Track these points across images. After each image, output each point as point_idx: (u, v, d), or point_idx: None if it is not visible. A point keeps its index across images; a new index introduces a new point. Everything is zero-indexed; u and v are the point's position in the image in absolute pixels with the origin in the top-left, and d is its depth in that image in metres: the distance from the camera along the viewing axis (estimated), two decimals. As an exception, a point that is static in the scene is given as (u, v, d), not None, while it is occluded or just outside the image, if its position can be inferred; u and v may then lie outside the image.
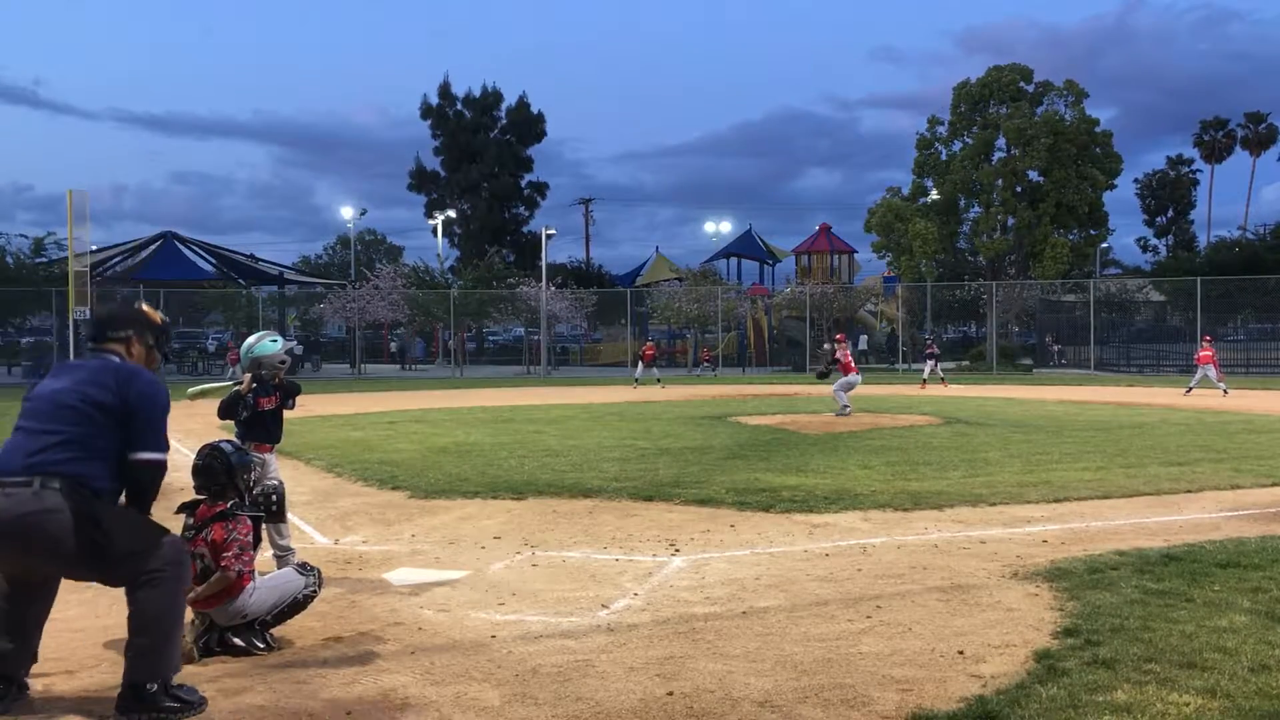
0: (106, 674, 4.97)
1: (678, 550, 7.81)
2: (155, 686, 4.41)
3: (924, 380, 31.52)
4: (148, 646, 4.44)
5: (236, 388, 7.18)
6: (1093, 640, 5.30)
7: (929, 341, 35.68)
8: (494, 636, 5.62)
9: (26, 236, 42.55)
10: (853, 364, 20.23)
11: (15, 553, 4.39)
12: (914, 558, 7.47)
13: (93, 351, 4.81)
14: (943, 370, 32.47)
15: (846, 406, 19.53)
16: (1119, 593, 6.26)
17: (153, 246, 47.59)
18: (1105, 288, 48.36)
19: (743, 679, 4.89)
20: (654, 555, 7.66)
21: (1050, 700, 4.46)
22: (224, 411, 7.18)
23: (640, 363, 34.63)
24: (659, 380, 33.95)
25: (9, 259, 41.20)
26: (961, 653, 5.24)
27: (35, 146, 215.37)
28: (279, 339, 7.39)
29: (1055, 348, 45.85)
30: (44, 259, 41.45)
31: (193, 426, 18.24)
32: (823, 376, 21.31)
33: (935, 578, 6.87)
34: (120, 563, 4.45)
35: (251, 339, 7.37)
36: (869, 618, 5.92)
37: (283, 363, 7.28)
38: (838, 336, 22.47)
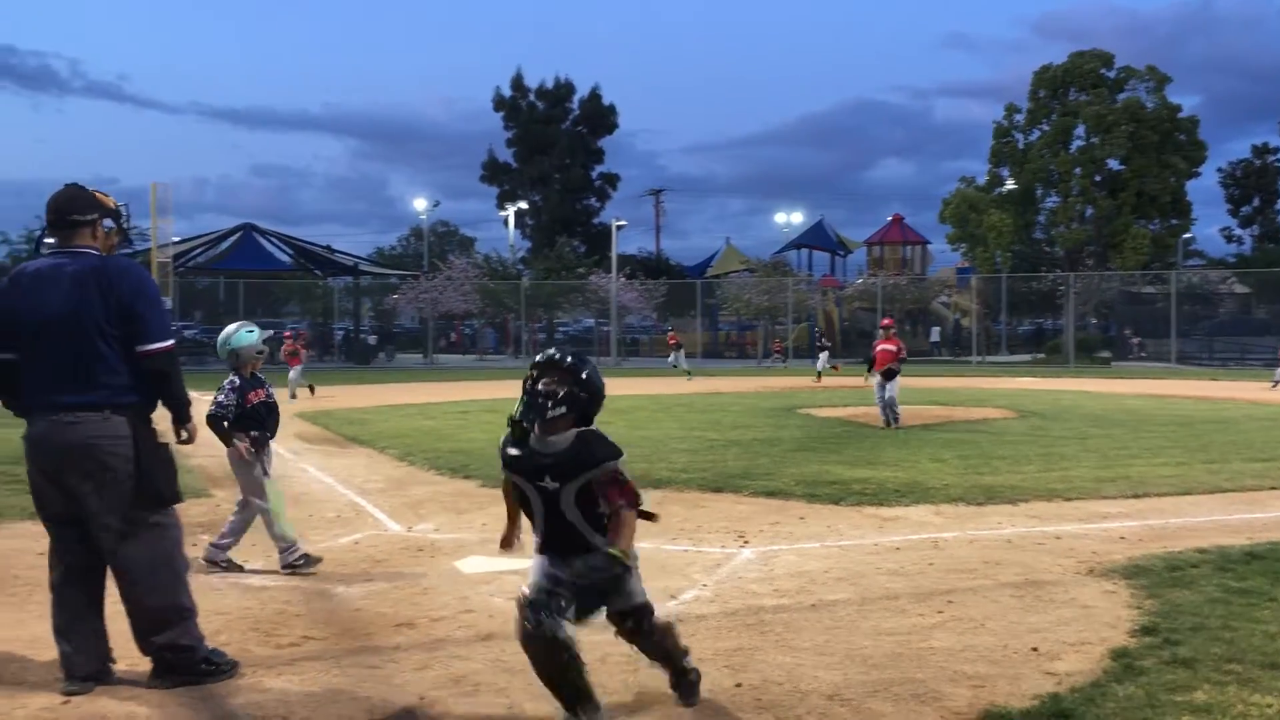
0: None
1: (746, 542, 7.79)
2: (193, 646, 4.68)
3: (819, 373, 31.20)
4: (159, 604, 4.65)
5: (216, 411, 6.83)
6: (1172, 639, 5.18)
7: (819, 334, 35.54)
8: (563, 625, 5.65)
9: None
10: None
11: (74, 478, 4.53)
12: (987, 553, 7.37)
13: (55, 248, 4.71)
14: (831, 361, 32.44)
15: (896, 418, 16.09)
16: (1199, 591, 6.12)
17: (233, 238, 48.53)
18: (1187, 279, 47.14)
19: (811, 672, 4.87)
20: (722, 547, 7.65)
21: (1127, 699, 4.38)
22: (210, 424, 6.83)
23: (673, 352, 34.49)
24: (675, 367, 33.63)
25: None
26: (1035, 650, 5.16)
27: (120, 140, 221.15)
28: (255, 329, 7.20)
29: (1135, 340, 44.89)
30: (129, 250, 42.48)
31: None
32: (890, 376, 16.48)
33: (1009, 573, 6.77)
34: (146, 501, 4.62)
35: (229, 329, 7.15)
36: (940, 613, 5.85)
37: (260, 353, 7.13)
38: (885, 321, 18.39)
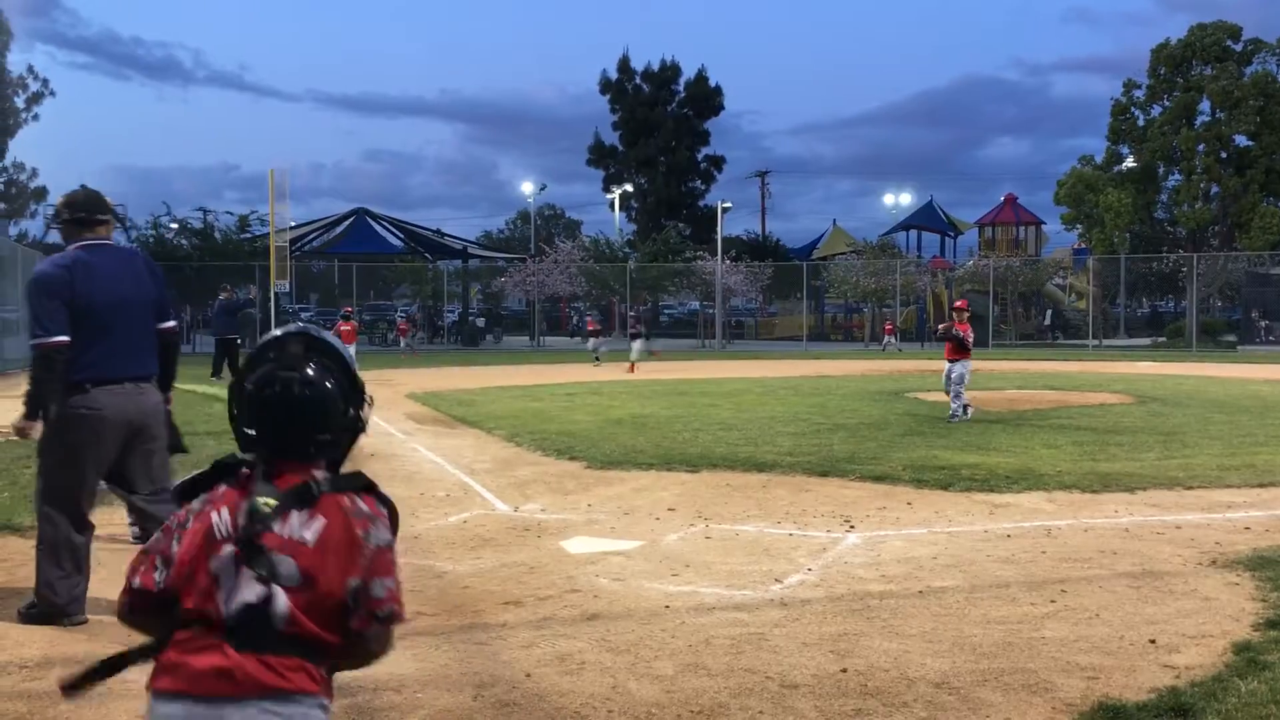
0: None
1: (852, 527, 7.72)
2: None
3: (632, 362, 28.03)
4: None
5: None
6: (1299, 634, 4.98)
7: (633, 319, 32.53)
8: (668, 607, 5.69)
9: (233, 213, 45.18)
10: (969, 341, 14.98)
11: (144, 439, 5.35)
12: (1102, 541, 7.18)
13: (82, 241, 5.31)
14: (647, 349, 29.51)
15: (966, 407, 14.40)
16: (1330, 585, 5.87)
17: (346, 223, 49.72)
18: (1321, 260, 45.04)
19: (919, 659, 4.81)
20: (828, 531, 7.59)
21: (1250, 695, 4.23)
22: None
23: (592, 338, 32.21)
24: (597, 357, 30.70)
25: (218, 235, 43.79)
26: (1153, 642, 5.01)
27: (241, 128, 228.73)
28: None
29: (1263, 324, 43.09)
30: (249, 235, 43.87)
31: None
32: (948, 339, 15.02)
33: (1125, 563, 6.59)
34: (164, 453, 5.52)
35: None
36: (1053, 602, 5.72)
37: None
38: (957, 304, 16.53)
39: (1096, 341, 43.10)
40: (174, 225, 43.54)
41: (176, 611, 2.17)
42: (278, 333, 2.37)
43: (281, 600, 2.14)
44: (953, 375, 14.53)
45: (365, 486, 2.29)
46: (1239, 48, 44.05)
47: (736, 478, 9.86)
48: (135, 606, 2.24)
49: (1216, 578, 6.19)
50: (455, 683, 4.55)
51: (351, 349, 24.24)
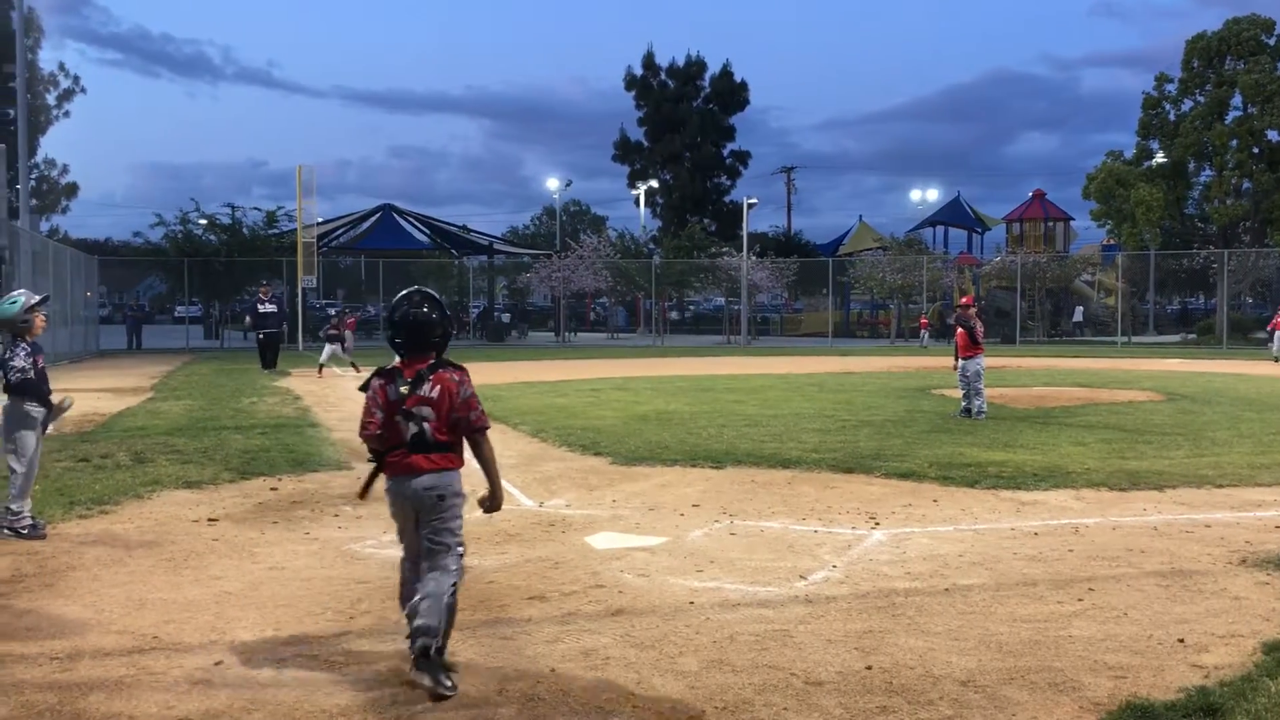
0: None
1: (878, 524, 7.69)
2: None
3: (320, 365, 24.69)
4: None
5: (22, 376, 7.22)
6: (1331, 635, 4.93)
7: (340, 319, 27.83)
8: (692, 603, 5.68)
9: (260, 209, 45.37)
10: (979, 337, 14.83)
11: None
12: (1131, 540, 7.12)
13: None
14: (339, 355, 25.35)
15: (981, 406, 14.31)
16: (1363, 585, 5.80)
17: (373, 218, 49.93)
18: (1353, 256, 44.45)
19: (944, 657, 4.78)
20: (853, 528, 7.57)
21: (1280, 696, 4.19)
22: (26, 388, 7.29)
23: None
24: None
25: (245, 230, 44.06)
26: (1182, 641, 4.97)
27: (269, 124, 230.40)
28: (19, 299, 7.40)
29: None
30: (276, 230, 44.10)
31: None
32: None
33: (1154, 561, 6.53)
34: None
35: None
36: (1080, 600, 5.68)
37: (24, 322, 7.28)
38: (963, 300, 16.72)
39: (1125, 338, 42.75)
40: (202, 221, 43.84)
41: (385, 437, 4.56)
42: (409, 291, 4.73)
43: (428, 428, 4.54)
44: (969, 372, 14.43)
45: (455, 365, 4.67)
46: (1272, 42, 43.53)
47: (761, 474, 9.84)
48: (370, 435, 4.60)
49: (1246, 577, 6.13)
50: (480, 677, 4.56)
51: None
